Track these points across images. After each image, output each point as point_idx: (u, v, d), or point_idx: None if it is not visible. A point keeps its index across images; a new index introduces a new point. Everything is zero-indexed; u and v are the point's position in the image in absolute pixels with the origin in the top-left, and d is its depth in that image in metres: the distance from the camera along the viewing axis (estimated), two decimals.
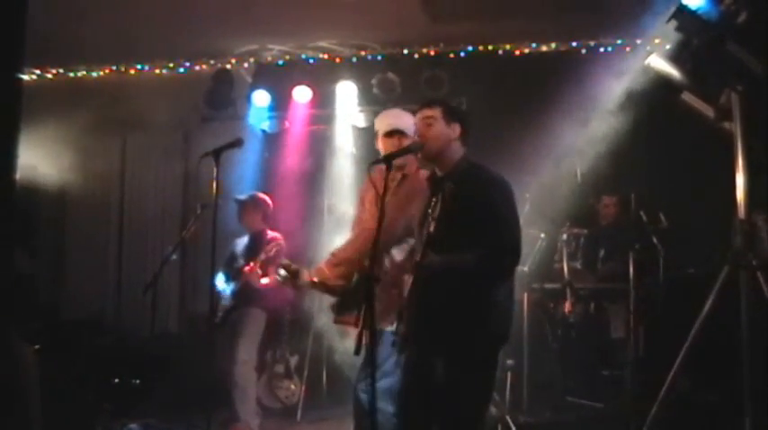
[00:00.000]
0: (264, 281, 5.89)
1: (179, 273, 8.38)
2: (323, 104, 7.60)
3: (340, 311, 4.15)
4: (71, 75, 7.80)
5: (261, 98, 7.57)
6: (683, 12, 4.09)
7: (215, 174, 4.44)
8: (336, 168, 7.49)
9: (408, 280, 3.41)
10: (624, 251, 5.75)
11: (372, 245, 3.22)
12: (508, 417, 5.34)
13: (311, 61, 7.54)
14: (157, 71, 7.67)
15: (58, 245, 8.77)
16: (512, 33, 7.04)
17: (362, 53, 7.42)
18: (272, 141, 7.97)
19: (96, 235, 8.72)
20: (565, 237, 6.12)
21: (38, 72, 7.69)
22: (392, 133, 4.07)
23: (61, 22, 6.16)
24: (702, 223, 5.67)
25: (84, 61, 7.69)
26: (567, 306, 5.95)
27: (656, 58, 4.55)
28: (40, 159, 7.45)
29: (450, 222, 3.31)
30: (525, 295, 5.95)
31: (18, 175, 1.99)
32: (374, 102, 7.32)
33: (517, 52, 7.14)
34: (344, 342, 5.93)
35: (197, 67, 7.68)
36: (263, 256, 5.84)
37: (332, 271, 4.07)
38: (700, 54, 4.20)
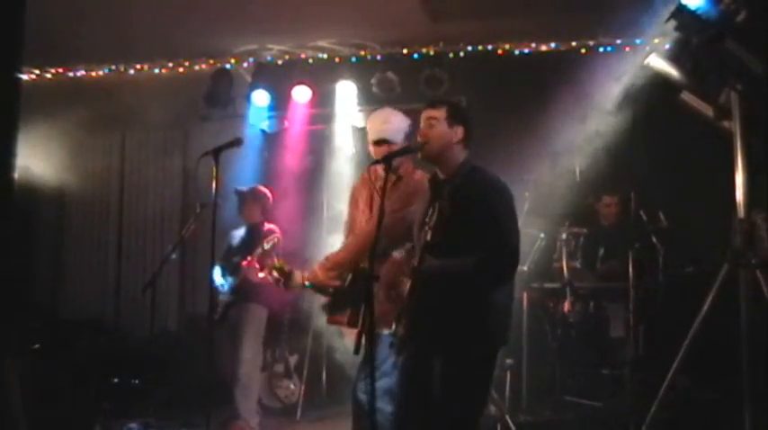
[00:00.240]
0: (262, 275, 5.87)
1: (178, 273, 8.38)
2: (322, 104, 7.60)
3: (332, 311, 4.16)
4: (70, 74, 7.80)
5: (260, 97, 7.57)
6: (682, 11, 4.10)
7: (214, 173, 4.44)
8: (336, 168, 7.48)
9: (407, 282, 3.41)
10: (624, 250, 5.76)
11: (372, 244, 3.21)
12: (507, 417, 5.34)
13: (311, 61, 7.53)
14: (157, 70, 7.67)
15: (58, 244, 8.77)
16: (511, 33, 7.04)
17: (362, 52, 7.42)
18: (272, 141, 7.96)
19: (95, 234, 8.73)
20: (564, 236, 6.11)
21: (37, 71, 7.69)
22: (380, 142, 4.06)
23: (60, 21, 6.15)
24: (702, 222, 5.67)
25: (83, 61, 7.69)
26: (567, 305, 5.95)
27: (655, 57, 4.56)
28: (40, 159, 7.46)
29: (448, 226, 3.30)
30: (525, 294, 5.96)
31: (17, 175, 1.99)
32: (374, 101, 7.30)
33: (517, 52, 7.13)
34: (344, 341, 5.93)
35: (196, 67, 7.67)
36: (259, 250, 5.83)
37: (324, 274, 4.07)
38: (699, 53, 4.20)
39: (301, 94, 7.49)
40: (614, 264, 6.07)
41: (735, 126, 4.15)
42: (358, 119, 7.59)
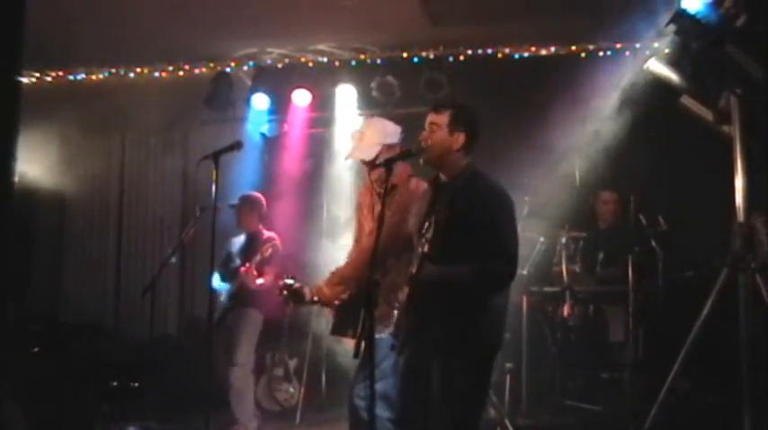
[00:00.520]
0: (260, 281, 5.89)
1: (178, 277, 8.37)
2: (322, 107, 7.61)
3: (336, 330, 4.14)
4: (70, 77, 7.79)
5: (260, 101, 7.57)
6: (682, 15, 4.10)
7: (214, 176, 4.44)
8: (335, 171, 7.48)
9: (405, 288, 3.41)
10: (623, 254, 5.76)
11: (372, 250, 3.21)
12: (507, 420, 5.34)
13: (311, 64, 7.53)
14: (157, 74, 7.67)
15: (57, 248, 8.76)
16: (511, 37, 7.04)
17: (362, 56, 7.41)
18: (272, 144, 7.97)
19: (95, 238, 8.72)
20: (564, 240, 6.11)
21: (37, 75, 7.68)
22: (364, 161, 4.06)
23: (60, 24, 6.16)
24: (701, 226, 5.67)
25: (83, 64, 7.68)
26: (567, 309, 5.94)
27: (655, 61, 4.56)
28: (40, 162, 7.45)
29: (448, 231, 3.30)
30: (524, 298, 5.95)
31: (17, 179, 1.99)
32: (374, 105, 7.32)
33: (517, 56, 7.13)
34: (343, 345, 5.93)
35: (196, 70, 7.67)
36: (258, 257, 5.84)
37: (331, 290, 4.03)
38: (699, 57, 4.21)
39: (301, 98, 7.50)
40: (614, 268, 6.07)
41: (734, 130, 4.15)
42: (358, 122, 7.58)
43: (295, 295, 4.04)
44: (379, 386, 3.59)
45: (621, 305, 5.86)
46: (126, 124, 8.23)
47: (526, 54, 7.11)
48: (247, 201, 6.18)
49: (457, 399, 3.28)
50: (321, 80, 7.50)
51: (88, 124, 7.75)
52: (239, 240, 6.23)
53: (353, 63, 7.46)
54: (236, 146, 4.63)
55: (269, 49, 7.50)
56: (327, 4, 6.35)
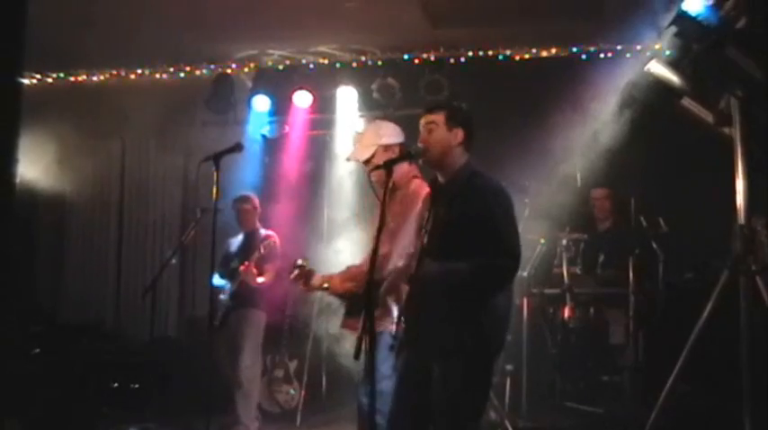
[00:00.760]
0: (260, 279, 5.90)
1: (178, 278, 8.38)
2: (323, 109, 7.61)
3: (347, 316, 4.14)
4: (71, 79, 7.80)
5: (261, 103, 7.58)
6: (682, 18, 4.11)
7: (215, 178, 4.44)
8: (336, 173, 7.49)
9: (405, 287, 3.41)
10: (624, 256, 5.76)
11: (372, 249, 3.21)
12: (507, 422, 5.34)
13: (311, 66, 7.54)
14: (158, 75, 7.67)
15: (58, 249, 8.76)
16: (512, 39, 7.04)
17: (362, 58, 7.42)
18: (272, 146, 7.98)
19: (96, 239, 8.72)
20: (564, 242, 6.12)
21: (38, 76, 7.69)
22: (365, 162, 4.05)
23: (61, 26, 6.16)
24: (702, 228, 5.67)
25: (84, 65, 7.69)
26: (567, 311, 5.95)
27: (655, 63, 4.56)
28: (40, 163, 7.45)
29: (448, 231, 3.30)
30: (525, 300, 5.95)
31: (18, 180, 1.99)
32: (374, 107, 7.33)
33: (517, 57, 7.13)
34: (344, 345, 5.93)
35: (197, 72, 7.68)
36: (257, 254, 5.85)
37: (342, 284, 4.03)
38: (699, 59, 4.21)
39: (302, 100, 7.50)
40: (614, 270, 6.07)
41: (735, 132, 4.15)
42: (359, 124, 7.59)
43: (305, 277, 4.04)
44: (384, 384, 3.59)
45: (622, 307, 5.86)
46: (127, 125, 8.22)
47: (527, 56, 7.11)
48: (247, 201, 6.20)
49: (457, 402, 3.28)
50: (322, 82, 7.51)
51: (89, 125, 7.76)
52: (237, 240, 6.25)
53: (354, 65, 7.46)
54: (237, 147, 4.63)
55: (270, 51, 7.50)
56: (328, 6, 6.35)
